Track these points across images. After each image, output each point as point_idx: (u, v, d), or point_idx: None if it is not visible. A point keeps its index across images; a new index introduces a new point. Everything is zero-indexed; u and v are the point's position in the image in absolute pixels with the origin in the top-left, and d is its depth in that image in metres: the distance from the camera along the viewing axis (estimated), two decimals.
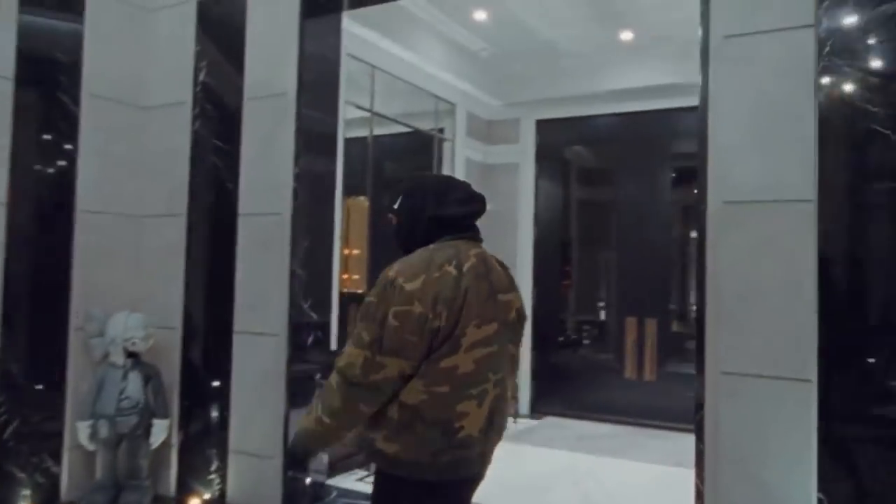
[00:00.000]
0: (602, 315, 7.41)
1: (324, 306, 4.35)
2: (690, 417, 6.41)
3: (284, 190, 4.11)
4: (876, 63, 2.71)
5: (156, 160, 4.52)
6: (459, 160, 6.97)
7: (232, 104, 4.32)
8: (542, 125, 7.34)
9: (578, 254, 7.60)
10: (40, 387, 4.06)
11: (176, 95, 4.47)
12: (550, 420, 6.78)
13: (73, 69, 4.20)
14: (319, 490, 4.32)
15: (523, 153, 7.41)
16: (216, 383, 4.26)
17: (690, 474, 5.10)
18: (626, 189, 6.99)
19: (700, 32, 3.10)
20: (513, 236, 7.39)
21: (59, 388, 4.15)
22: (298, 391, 4.13)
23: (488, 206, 7.39)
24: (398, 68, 5.93)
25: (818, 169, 2.79)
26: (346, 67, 4.76)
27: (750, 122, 2.93)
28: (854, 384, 2.72)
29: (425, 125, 6.76)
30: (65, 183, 4.18)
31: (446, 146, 6.92)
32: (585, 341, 7.44)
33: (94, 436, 4.06)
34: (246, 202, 4.24)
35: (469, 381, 2.01)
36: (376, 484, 2.13)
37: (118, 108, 4.45)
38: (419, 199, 2.18)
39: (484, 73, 6.95)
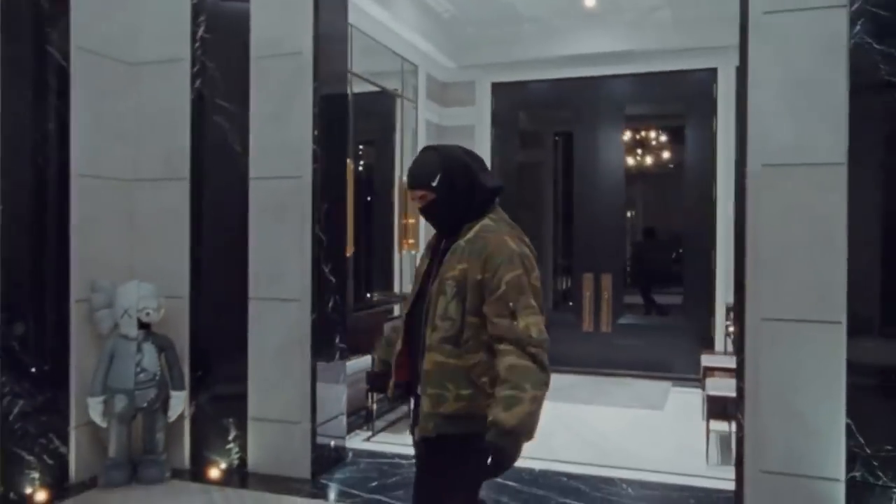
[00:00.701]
0: (560, 271, 7.76)
1: (341, 270, 4.33)
2: (644, 365, 6.97)
3: (304, 152, 4.03)
4: None
5: (151, 120, 4.26)
6: (421, 122, 6.99)
7: (237, 63, 4.14)
8: (497, 88, 7.47)
9: (535, 214, 7.88)
10: (43, 364, 3.79)
11: (172, 52, 4.21)
12: None
13: (59, 19, 3.86)
14: (341, 452, 4.36)
15: (479, 116, 7.53)
16: (231, 351, 4.16)
17: (664, 415, 5.63)
18: (582, 150, 7.29)
19: (739, 7, 3.31)
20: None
21: (62, 364, 3.90)
22: (324, 356, 4.13)
23: None
24: (371, 27, 5.84)
25: (849, 135, 3.13)
26: None
27: (786, 91, 3.23)
28: (879, 324, 3.12)
29: (389, 86, 6.70)
30: (59, 145, 3.87)
31: (407, 106, 6.89)
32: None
33: (106, 411, 3.88)
34: (258, 166, 4.11)
35: None
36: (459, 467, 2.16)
37: (108, 64, 4.14)
38: (463, 171, 2.21)
39: (444, 34, 6.96)
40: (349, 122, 4.72)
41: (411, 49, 6.68)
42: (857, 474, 3.12)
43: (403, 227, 6.65)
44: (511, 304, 2.07)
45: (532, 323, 2.05)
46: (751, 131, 3.28)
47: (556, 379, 7.27)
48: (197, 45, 4.19)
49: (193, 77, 4.19)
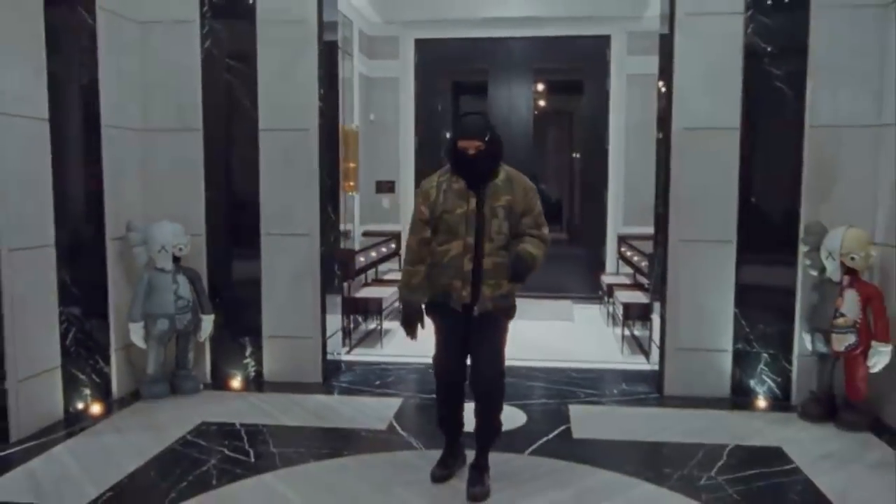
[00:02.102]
0: None
1: (337, 209, 5.08)
2: (549, 287, 8.26)
3: (310, 108, 4.69)
4: (778, 42, 4.30)
5: (165, 76, 4.69)
6: (355, 73, 7.62)
7: (244, 26, 4.66)
8: (420, 43, 8.23)
9: None
10: (87, 295, 4.28)
11: (181, 13, 4.65)
12: None
13: None
14: (338, 363, 5.20)
15: (403, 68, 8.27)
16: (246, 280, 4.82)
17: (575, 325, 6.95)
18: (496, 100, 8.31)
19: (669, 10, 4.40)
20: (395, 144, 8.34)
21: (102, 296, 4.40)
22: (328, 281, 4.90)
23: (372, 117, 8.56)
24: None
25: (742, 108, 4.36)
26: None
27: (701, 74, 4.39)
28: (757, 243, 4.45)
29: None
30: (91, 98, 4.27)
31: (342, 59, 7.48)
32: None
33: (146, 335, 4.45)
34: (267, 119, 4.71)
35: None
36: (505, 322, 3.23)
37: (123, 23, 4.51)
38: (496, 133, 3.18)
39: None
40: (338, 82, 5.37)
41: (346, 4, 7.25)
42: (740, 346, 4.49)
43: (345, 171, 7.34)
44: (538, 220, 3.14)
45: (546, 231, 3.15)
46: (675, 102, 4.43)
47: None
48: (205, 8, 4.65)
49: (203, 37, 4.67)
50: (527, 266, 3.04)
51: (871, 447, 3.74)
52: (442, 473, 3.30)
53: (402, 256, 3.39)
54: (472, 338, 3.16)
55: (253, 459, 3.54)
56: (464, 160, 3.08)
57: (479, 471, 3.22)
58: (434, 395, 3.39)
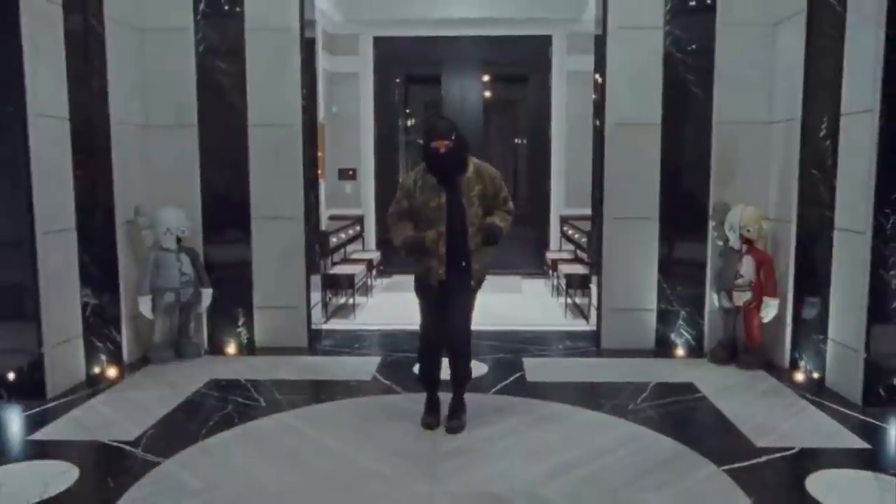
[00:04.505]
0: None
1: (318, 195, 5.75)
2: (496, 264, 9.06)
3: (294, 107, 5.34)
4: (689, 50, 5.17)
5: (163, 77, 5.26)
6: (320, 69, 8.23)
7: (234, 34, 5.27)
8: (379, 41, 8.90)
9: (412, 143, 9.55)
10: (102, 273, 4.84)
11: (177, 22, 5.21)
12: (397, 277, 8.85)
13: None
14: (319, 332, 5.89)
15: (363, 64, 8.93)
16: (238, 258, 5.45)
17: (524, 296, 7.80)
18: (450, 92, 9.06)
19: (602, 23, 5.23)
20: (356, 134, 9.00)
21: (113, 273, 4.98)
22: (312, 258, 5.58)
23: (335, 110, 9.49)
24: None
25: (662, 107, 5.23)
26: None
27: (629, 78, 5.24)
28: (675, 219, 5.35)
29: None
30: (102, 98, 4.82)
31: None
32: None
33: (153, 307, 5.06)
34: (256, 116, 5.34)
35: None
36: (475, 293, 3.96)
37: (124, 30, 5.06)
38: (461, 133, 3.87)
39: None
40: (318, 83, 6.02)
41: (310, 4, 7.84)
42: (662, 305, 5.40)
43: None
44: (504, 197, 3.86)
45: (511, 205, 3.87)
46: (608, 103, 5.28)
47: None
48: (199, 17, 5.23)
49: (197, 43, 5.25)
50: (494, 233, 3.73)
51: (761, 381, 4.69)
52: (433, 420, 3.87)
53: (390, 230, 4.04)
54: (448, 305, 3.82)
55: (264, 404, 4.23)
56: (435, 157, 3.72)
57: (456, 409, 3.96)
58: (415, 354, 4.07)
